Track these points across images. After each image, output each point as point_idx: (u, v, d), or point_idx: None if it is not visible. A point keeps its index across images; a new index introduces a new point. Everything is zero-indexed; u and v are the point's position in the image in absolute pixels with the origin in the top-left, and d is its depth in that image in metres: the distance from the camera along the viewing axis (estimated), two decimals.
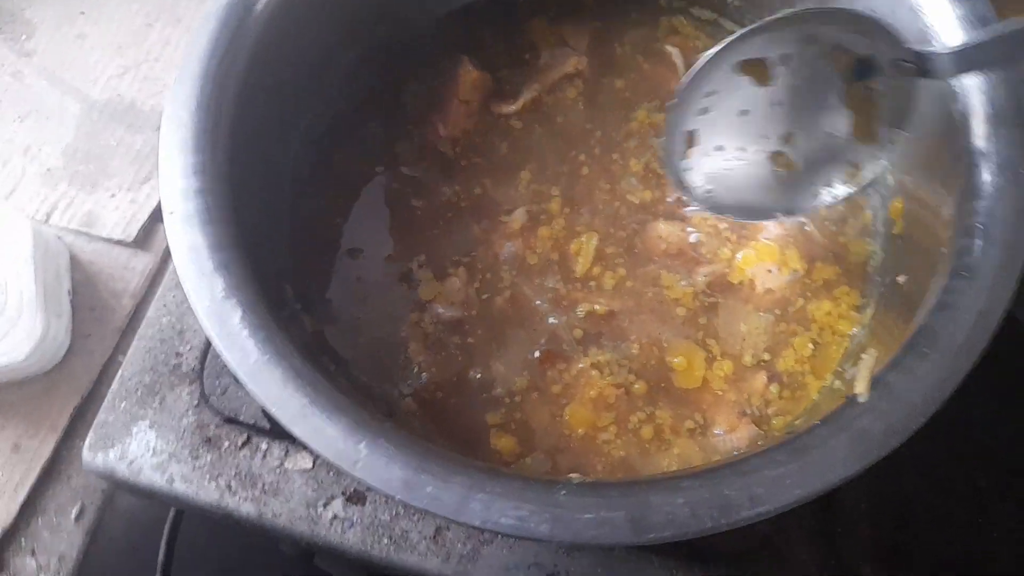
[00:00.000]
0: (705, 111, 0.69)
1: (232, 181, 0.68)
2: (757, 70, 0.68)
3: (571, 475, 0.57)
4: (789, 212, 0.73)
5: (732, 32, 0.91)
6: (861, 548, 0.82)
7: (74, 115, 1.16)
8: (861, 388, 0.58)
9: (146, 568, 0.94)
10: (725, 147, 0.70)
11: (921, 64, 0.65)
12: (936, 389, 0.57)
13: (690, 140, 0.70)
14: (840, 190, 0.71)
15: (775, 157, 0.71)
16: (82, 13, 1.24)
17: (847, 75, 0.67)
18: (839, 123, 0.69)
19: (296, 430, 0.57)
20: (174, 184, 0.64)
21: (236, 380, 0.60)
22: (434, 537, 0.77)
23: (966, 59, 0.63)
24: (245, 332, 0.60)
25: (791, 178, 0.71)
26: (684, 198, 0.73)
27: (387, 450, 0.56)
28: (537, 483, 0.56)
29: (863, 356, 0.62)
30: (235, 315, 0.60)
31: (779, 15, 0.65)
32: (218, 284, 0.61)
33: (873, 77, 0.67)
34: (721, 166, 0.70)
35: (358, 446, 0.56)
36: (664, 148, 0.70)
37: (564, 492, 0.55)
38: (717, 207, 0.72)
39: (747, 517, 0.53)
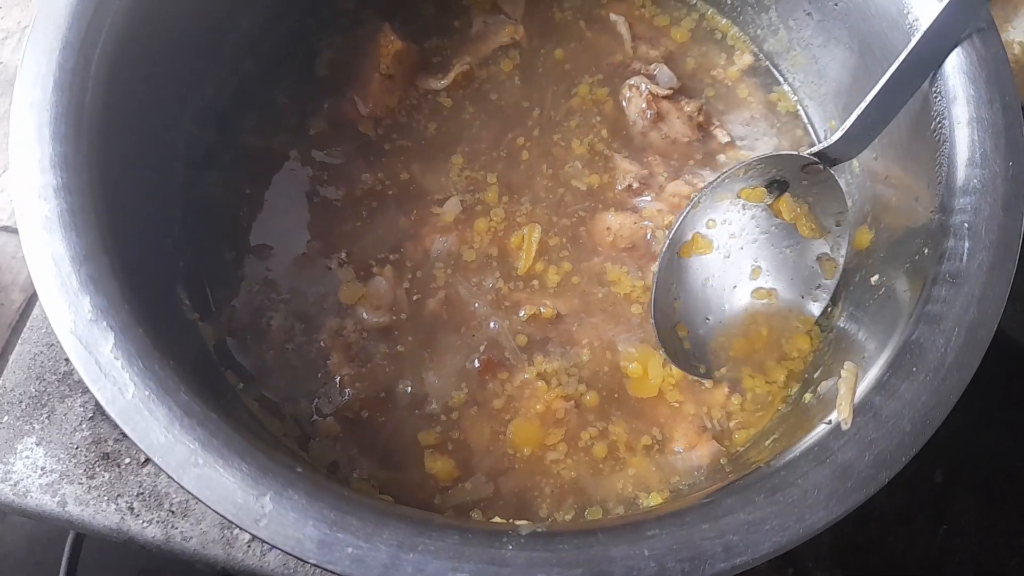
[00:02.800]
0: (676, 300, 0.72)
1: (104, 173, 0.57)
2: (697, 246, 0.72)
3: (519, 523, 0.49)
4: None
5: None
6: (819, 546, 0.79)
7: None
8: (844, 413, 0.51)
9: None
10: (710, 318, 0.72)
11: (824, 159, 0.68)
12: (927, 414, 0.51)
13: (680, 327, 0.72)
14: (828, 283, 0.72)
15: (755, 293, 0.72)
16: None
17: (766, 200, 0.72)
18: (788, 237, 0.72)
19: (185, 482, 0.47)
20: (28, 181, 0.53)
21: None
22: None
23: (854, 140, 0.66)
24: (119, 363, 0.49)
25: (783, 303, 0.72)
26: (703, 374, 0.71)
27: (297, 503, 0.47)
28: (478, 535, 0.48)
29: (843, 372, 0.55)
30: (106, 342, 0.50)
31: (696, 197, 0.72)
32: (84, 303, 0.50)
33: (787, 191, 0.72)
34: (716, 329, 0.72)
35: (262, 499, 0.47)
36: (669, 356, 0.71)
37: (511, 546, 0.47)
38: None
39: (722, 570, 0.46)
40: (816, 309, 0.71)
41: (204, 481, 0.47)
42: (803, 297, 0.72)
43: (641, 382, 0.70)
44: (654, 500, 0.65)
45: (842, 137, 0.65)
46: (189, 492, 0.47)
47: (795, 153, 0.69)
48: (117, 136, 0.60)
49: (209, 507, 0.47)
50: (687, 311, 0.72)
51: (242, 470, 0.48)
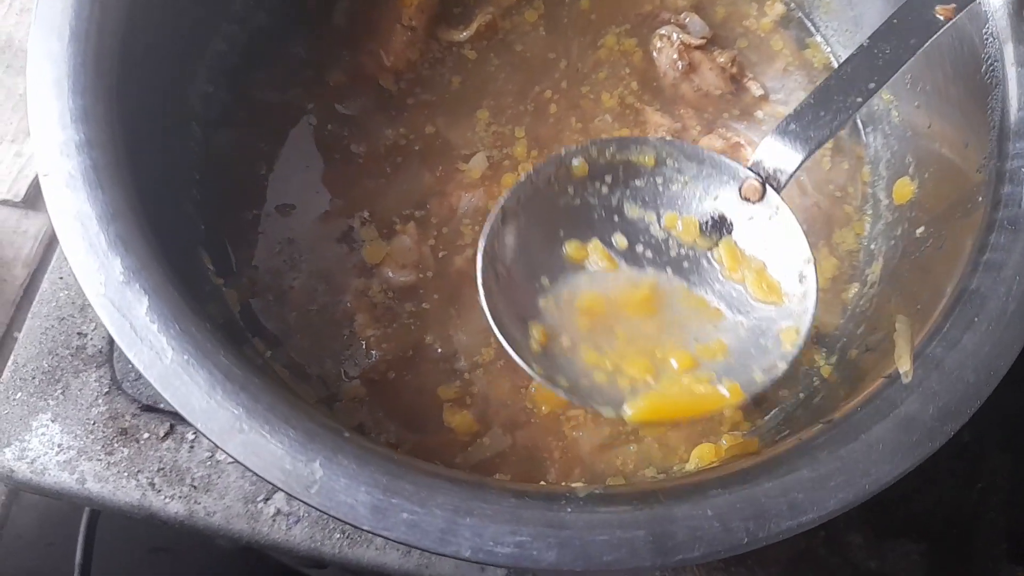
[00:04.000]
0: (543, 294, 0.60)
1: (125, 128, 0.54)
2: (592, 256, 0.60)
3: (575, 485, 0.48)
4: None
5: None
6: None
7: None
8: (905, 365, 0.50)
9: (65, 565, 0.84)
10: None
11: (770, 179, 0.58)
12: (991, 364, 0.49)
13: None
14: (789, 354, 0.57)
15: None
16: None
17: (704, 242, 0.60)
18: (742, 303, 0.58)
19: (231, 449, 0.46)
20: (50, 137, 0.50)
21: None
22: None
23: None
24: (155, 325, 0.47)
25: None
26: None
27: (348, 469, 0.45)
28: (536, 498, 0.46)
29: (897, 325, 0.54)
30: (140, 304, 0.47)
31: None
32: (115, 265, 0.48)
33: (727, 226, 0.59)
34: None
35: (312, 465, 0.45)
36: None
37: (570, 508, 0.46)
38: None
39: (788, 528, 0.45)
40: (760, 381, 0.55)
41: (250, 447, 0.45)
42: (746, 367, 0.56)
43: None
44: (697, 458, 0.64)
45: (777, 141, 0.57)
46: (235, 459, 0.46)
47: (736, 168, 0.56)
48: (133, 92, 0.57)
49: (257, 474, 0.45)
50: (557, 320, 0.58)
51: (289, 435, 0.46)
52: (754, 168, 0.58)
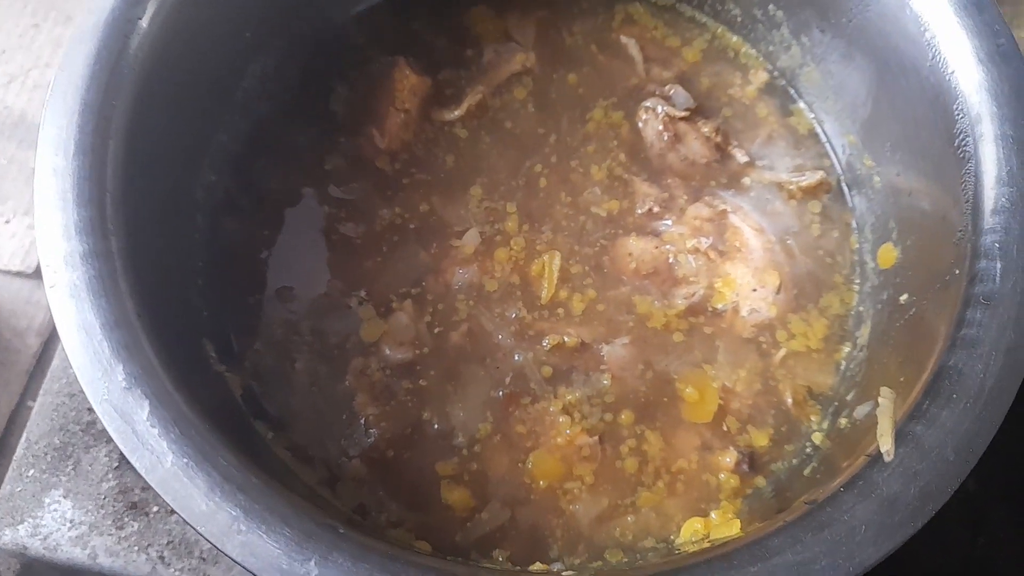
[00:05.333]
0: None
1: (128, 232, 0.57)
2: None
3: (565, 573, 0.49)
4: None
5: (691, 17, 0.85)
6: None
7: None
8: (887, 444, 0.51)
9: None
10: None
11: None
12: (970, 442, 0.50)
13: None
14: None
15: None
16: None
17: None
18: None
19: (229, 550, 0.47)
20: (55, 249, 0.52)
21: None
22: None
23: None
24: (156, 430, 0.49)
25: None
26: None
27: (343, 566, 0.47)
28: None
29: (879, 400, 0.55)
30: (142, 409, 0.49)
31: None
32: (118, 371, 0.50)
33: None
34: None
35: (307, 564, 0.47)
36: None
37: None
38: None
39: None
40: None
41: (248, 548, 0.47)
42: None
43: (698, 406, 0.70)
44: (687, 532, 0.65)
45: None
46: (234, 560, 0.47)
47: None
48: (138, 193, 0.59)
49: (254, 574, 0.47)
50: None
51: (286, 535, 0.47)
52: None
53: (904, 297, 0.65)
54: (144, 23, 0.60)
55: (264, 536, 0.47)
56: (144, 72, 0.61)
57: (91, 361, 0.50)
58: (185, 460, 0.48)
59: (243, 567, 0.47)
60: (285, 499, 0.49)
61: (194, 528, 0.48)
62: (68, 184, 0.54)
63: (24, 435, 0.78)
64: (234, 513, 0.48)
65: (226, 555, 0.47)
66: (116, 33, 0.59)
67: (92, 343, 0.51)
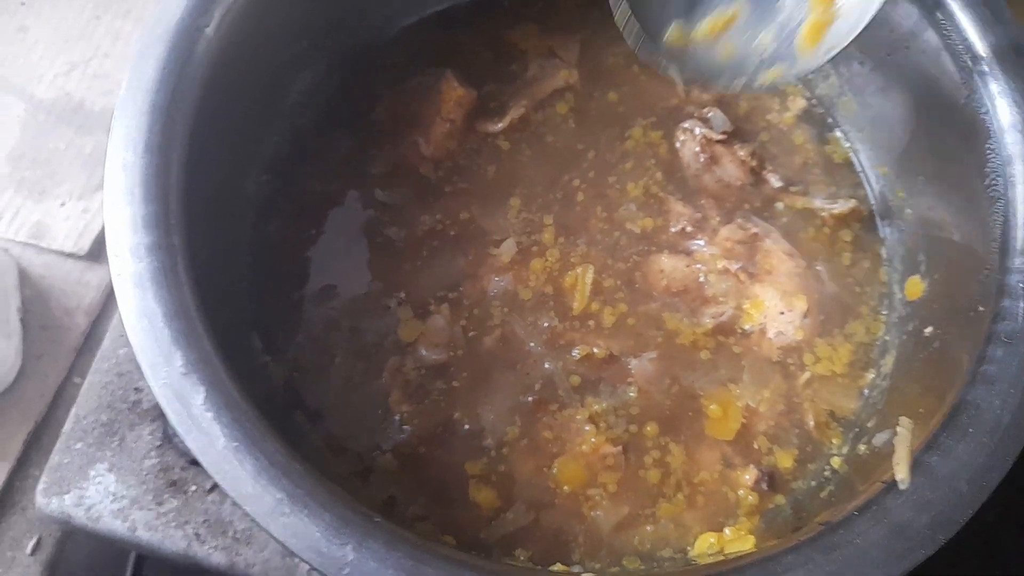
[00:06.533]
0: None
1: (189, 225, 0.60)
2: None
3: (586, 574, 0.51)
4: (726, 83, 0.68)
5: None
6: None
7: (18, 116, 1.06)
8: (902, 473, 0.53)
9: None
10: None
11: None
12: (983, 475, 0.52)
13: None
14: (755, 81, 0.66)
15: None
16: (23, 3, 1.13)
17: None
18: (795, 16, 0.65)
19: (273, 529, 0.50)
20: (122, 240, 0.56)
21: None
22: None
23: None
24: (210, 414, 0.52)
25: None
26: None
27: (377, 552, 0.50)
28: None
29: (898, 429, 0.57)
30: (198, 394, 0.53)
31: None
32: (177, 359, 0.53)
33: None
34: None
35: (344, 548, 0.50)
36: None
37: None
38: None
39: None
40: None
41: (291, 529, 0.50)
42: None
43: (721, 423, 0.72)
44: (701, 545, 0.67)
45: None
46: (276, 539, 0.50)
47: None
48: (197, 191, 0.62)
49: (295, 554, 0.50)
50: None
51: (325, 520, 0.50)
52: None
53: (929, 329, 0.67)
54: (210, 31, 0.64)
55: (306, 519, 0.50)
56: (207, 77, 0.64)
57: (152, 347, 0.54)
58: (235, 444, 0.52)
59: (285, 547, 0.50)
60: (325, 486, 0.52)
61: (241, 507, 0.51)
62: (136, 179, 0.58)
63: (73, 410, 0.81)
64: (279, 496, 0.51)
65: (269, 534, 0.50)
66: (184, 39, 0.63)
67: (154, 330, 0.54)
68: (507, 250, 0.78)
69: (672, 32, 0.66)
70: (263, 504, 0.51)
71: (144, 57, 0.61)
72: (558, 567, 0.64)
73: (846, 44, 0.64)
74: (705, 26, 0.66)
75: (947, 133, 0.69)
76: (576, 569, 0.63)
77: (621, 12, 0.65)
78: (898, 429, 0.57)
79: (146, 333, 0.54)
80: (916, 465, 0.53)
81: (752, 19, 0.66)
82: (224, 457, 0.52)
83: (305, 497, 0.51)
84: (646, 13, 0.65)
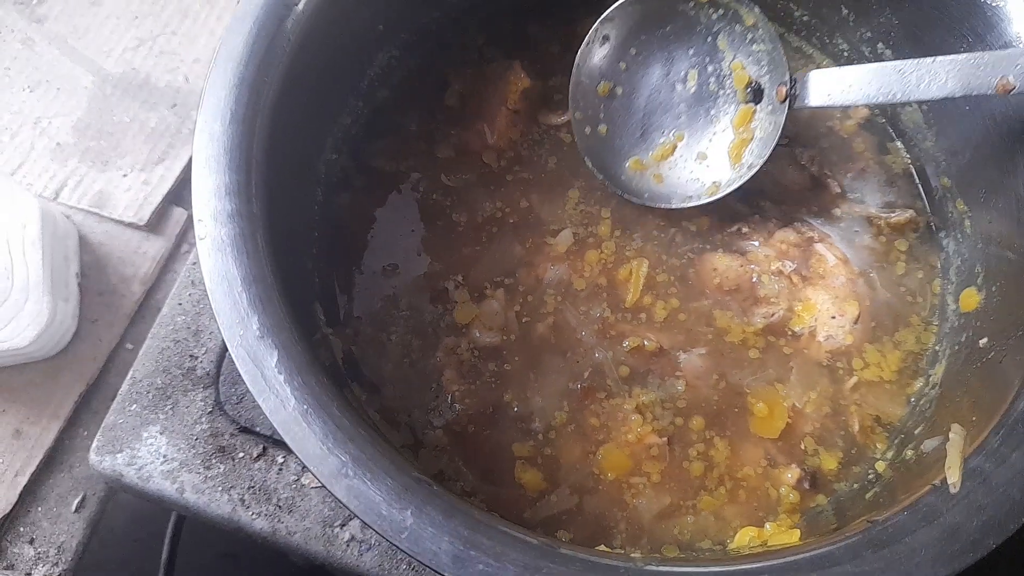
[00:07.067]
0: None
1: (266, 196, 0.62)
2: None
3: (634, 555, 0.53)
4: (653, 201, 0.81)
5: (797, 48, 0.87)
6: None
7: (86, 88, 1.09)
8: (954, 477, 0.53)
9: (148, 562, 0.91)
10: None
11: (793, 91, 0.75)
12: None
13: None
14: (698, 200, 0.79)
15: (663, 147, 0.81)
16: None
17: (742, 95, 0.79)
18: (721, 140, 0.80)
19: (336, 491, 0.52)
20: (206, 205, 0.59)
21: None
22: None
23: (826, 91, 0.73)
24: (281, 377, 0.55)
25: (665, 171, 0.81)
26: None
27: (435, 519, 0.52)
28: (598, 565, 0.51)
29: (951, 435, 0.57)
30: (271, 357, 0.55)
31: None
32: (253, 322, 0.56)
33: (760, 102, 0.78)
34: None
35: (404, 513, 0.52)
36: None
37: None
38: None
39: None
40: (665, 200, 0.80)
41: (353, 492, 0.52)
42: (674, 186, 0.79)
43: (766, 422, 0.73)
44: (742, 539, 0.68)
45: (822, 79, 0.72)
46: (340, 500, 0.52)
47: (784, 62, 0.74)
48: (276, 164, 0.65)
49: (357, 515, 0.52)
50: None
51: (387, 484, 0.52)
52: (792, 80, 0.75)
53: (984, 341, 0.67)
54: (299, 7, 0.66)
55: (368, 483, 0.52)
56: (292, 53, 0.66)
57: (231, 309, 0.56)
58: (305, 407, 0.54)
59: (347, 508, 0.52)
60: (388, 454, 0.54)
61: (308, 468, 0.53)
62: (222, 149, 0.60)
63: (130, 372, 0.84)
64: (344, 459, 0.53)
65: (333, 495, 0.52)
66: (274, 15, 0.65)
67: (233, 293, 0.56)
68: (564, 240, 0.80)
69: (631, 164, 0.81)
70: (329, 465, 0.53)
71: (234, 32, 0.63)
72: (602, 548, 0.65)
73: (763, 161, 0.77)
74: (656, 154, 0.81)
75: (1014, 148, 0.69)
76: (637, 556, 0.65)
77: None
78: (950, 435, 0.57)
79: (225, 295, 0.56)
80: (969, 471, 0.54)
81: (690, 143, 0.80)
82: (294, 419, 0.54)
83: (369, 462, 0.53)
84: (608, 159, 0.81)
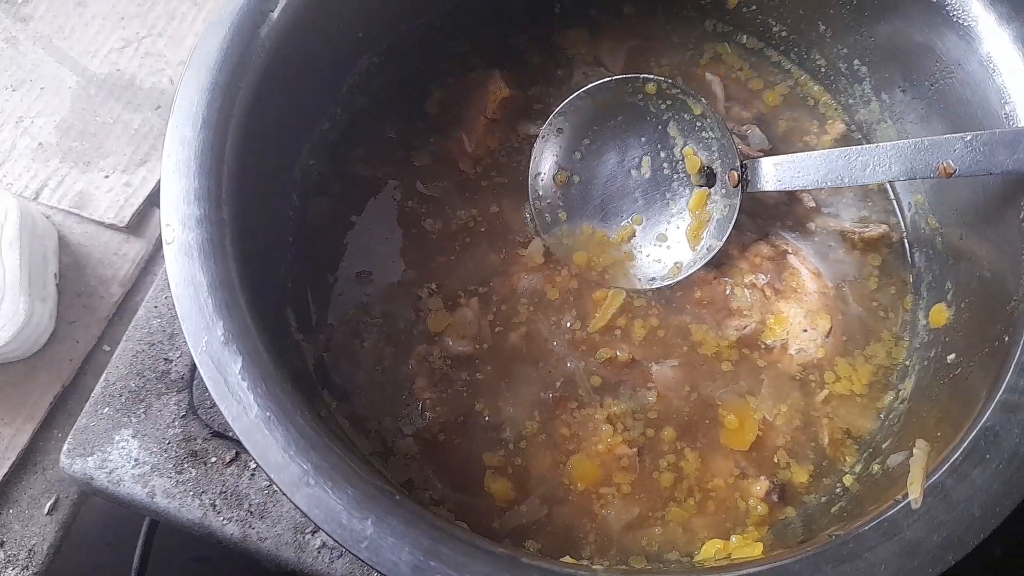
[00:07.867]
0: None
1: (237, 201, 0.62)
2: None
3: (595, 567, 0.53)
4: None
5: (776, 63, 0.87)
6: None
7: (70, 88, 1.09)
8: (915, 493, 0.53)
9: (120, 565, 0.90)
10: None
11: (745, 176, 0.77)
12: (998, 501, 0.53)
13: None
14: (661, 282, 0.80)
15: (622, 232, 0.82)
16: None
17: (696, 179, 0.80)
18: (679, 223, 0.81)
19: (297, 500, 0.52)
20: (175, 210, 0.58)
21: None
22: None
23: (776, 177, 0.75)
24: (245, 384, 0.54)
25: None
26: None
27: (396, 529, 0.51)
28: (560, 574, 0.51)
29: (915, 451, 0.57)
30: (235, 364, 0.55)
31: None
32: (218, 327, 0.56)
33: (713, 186, 0.80)
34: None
35: (364, 523, 0.51)
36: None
37: None
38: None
39: None
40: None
41: (314, 501, 0.52)
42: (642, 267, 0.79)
43: (737, 434, 0.73)
44: (707, 551, 0.68)
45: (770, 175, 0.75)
46: (299, 509, 0.52)
47: (735, 149, 0.76)
48: (248, 169, 0.65)
49: (317, 525, 0.52)
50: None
51: (348, 494, 0.52)
52: (743, 165, 0.77)
53: (952, 357, 0.67)
54: (275, 15, 0.66)
55: (329, 492, 0.52)
56: (267, 60, 0.66)
57: (196, 314, 0.56)
58: (268, 414, 0.54)
59: (308, 517, 0.52)
60: (351, 462, 0.54)
61: (268, 476, 0.53)
62: (193, 153, 0.60)
63: (104, 375, 0.83)
64: (305, 467, 0.53)
65: (293, 504, 0.52)
66: (249, 21, 0.65)
67: (198, 298, 0.56)
68: (535, 250, 0.80)
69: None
70: (289, 474, 0.53)
71: (209, 36, 0.63)
72: (568, 560, 0.65)
73: (722, 242, 0.78)
74: (616, 237, 0.81)
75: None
76: (585, 563, 0.65)
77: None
78: (914, 450, 0.58)
79: (191, 301, 0.56)
80: (931, 487, 0.54)
81: (648, 227, 0.81)
82: (256, 426, 0.54)
83: (331, 471, 0.53)
84: (570, 244, 0.82)
